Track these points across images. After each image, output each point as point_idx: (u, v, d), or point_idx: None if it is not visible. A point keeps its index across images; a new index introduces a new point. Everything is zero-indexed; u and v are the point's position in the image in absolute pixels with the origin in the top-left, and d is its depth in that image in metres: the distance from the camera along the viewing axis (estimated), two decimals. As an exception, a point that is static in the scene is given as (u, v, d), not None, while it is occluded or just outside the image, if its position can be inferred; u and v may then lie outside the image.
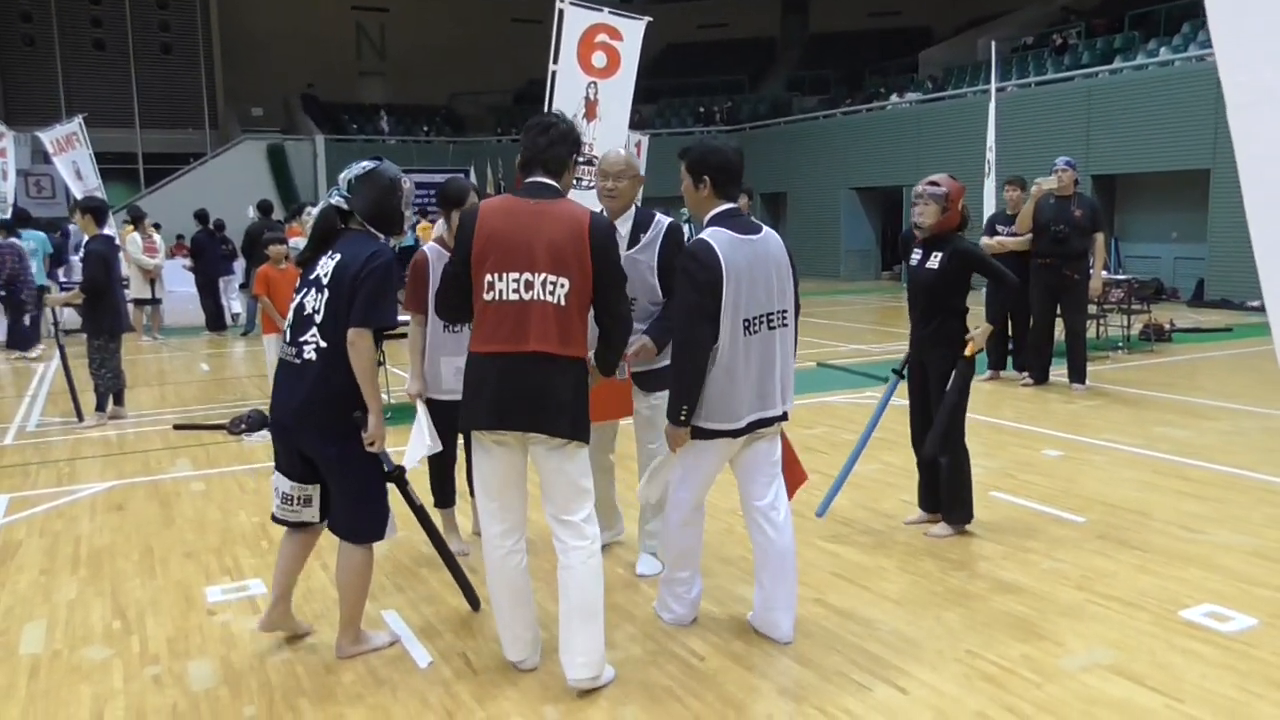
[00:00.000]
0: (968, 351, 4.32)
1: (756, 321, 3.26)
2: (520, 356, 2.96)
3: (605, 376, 3.27)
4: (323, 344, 3.13)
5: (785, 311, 3.36)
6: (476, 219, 3.04)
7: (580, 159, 3.22)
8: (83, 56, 28.39)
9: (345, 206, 3.28)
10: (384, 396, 7.82)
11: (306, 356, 3.15)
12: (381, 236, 3.31)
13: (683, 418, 3.23)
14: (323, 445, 3.17)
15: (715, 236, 3.23)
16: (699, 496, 3.46)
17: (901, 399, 4.71)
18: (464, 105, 31.40)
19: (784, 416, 3.42)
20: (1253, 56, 1.10)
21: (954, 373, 4.35)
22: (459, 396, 4.16)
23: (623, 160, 3.79)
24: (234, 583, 4.12)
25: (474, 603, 3.74)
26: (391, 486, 3.36)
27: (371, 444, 3.17)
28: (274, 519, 3.39)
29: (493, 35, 30.65)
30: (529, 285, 2.95)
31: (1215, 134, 14.09)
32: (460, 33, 30.70)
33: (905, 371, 4.67)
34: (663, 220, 3.85)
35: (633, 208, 3.83)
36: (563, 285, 2.96)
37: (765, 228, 3.39)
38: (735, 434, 3.30)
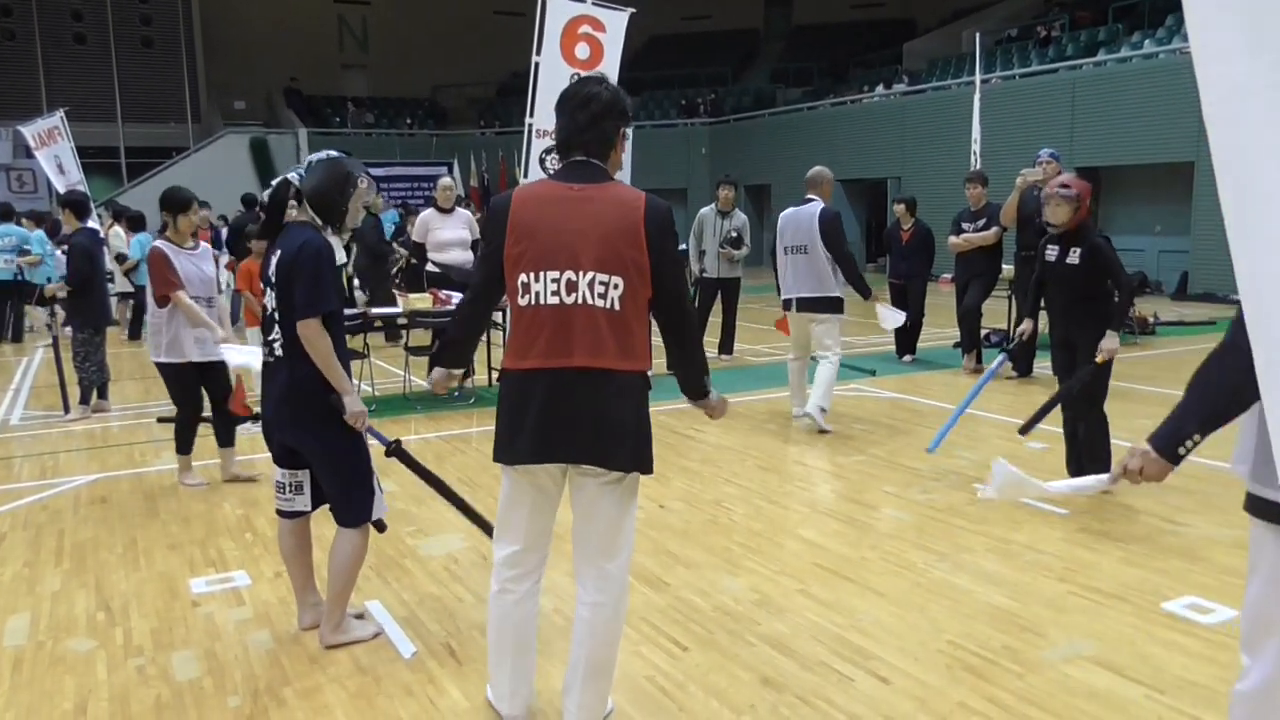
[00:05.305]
0: (1099, 360, 4.74)
1: None
2: (564, 373, 2.49)
3: (696, 403, 2.81)
4: (283, 340, 3.22)
5: None
6: (508, 210, 2.56)
7: (628, 130, 2.73)
8: (64, 50, 28.02)
9: (297, 183, 3.29)
10: (367, 388, 7.86)
11: (276, 354, 3.25)
12: (322, 226, 3.28)
13: (1183, 451, 2.14)
14: (302, 437, 3.25)
15: None
16: None
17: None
18: (447, 98, 31.29)
19: None
20: (1229, 48, 1.07)
21: (1084, 372, 4.76)
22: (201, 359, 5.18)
23: None
24: (218, 574, 4.11)
25: (488, 529, 3.46)
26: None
27: (356, 423, 3.20)
28: (277, 512, 3.46)
29: (475, 27, 30.52)
30: (571, 287, 2.49)
31: (1199, 127, 14.00)
32: (442, 25, 30.56)
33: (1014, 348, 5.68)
34: None
35: None
36: (615, 286, 2.50)
37: None
38: None
